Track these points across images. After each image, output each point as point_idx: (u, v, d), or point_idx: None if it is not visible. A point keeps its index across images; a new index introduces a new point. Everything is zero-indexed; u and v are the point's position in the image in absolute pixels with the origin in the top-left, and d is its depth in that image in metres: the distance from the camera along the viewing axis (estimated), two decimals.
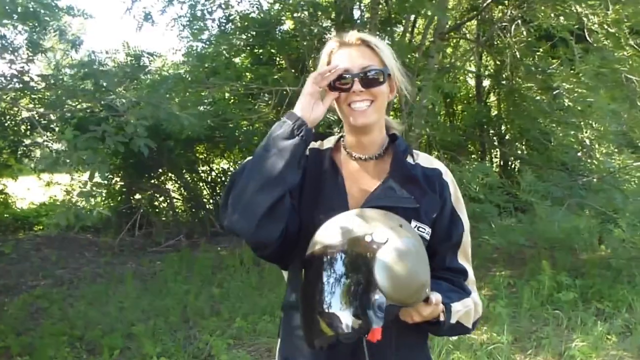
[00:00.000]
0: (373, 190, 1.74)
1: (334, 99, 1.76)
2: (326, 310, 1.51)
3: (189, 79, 8.08)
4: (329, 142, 1.90)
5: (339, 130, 1.96)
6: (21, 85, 6.59)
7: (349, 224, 1.59)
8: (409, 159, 1.82)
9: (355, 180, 1.80)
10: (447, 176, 1.83)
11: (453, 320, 1.68)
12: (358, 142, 1.81)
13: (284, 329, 1.89)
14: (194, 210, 10.97)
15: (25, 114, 8.68)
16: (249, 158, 1.74)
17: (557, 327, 5.58)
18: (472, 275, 1.84)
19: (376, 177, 1.79)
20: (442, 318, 1.63)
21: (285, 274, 1.80)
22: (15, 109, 8.01)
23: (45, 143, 9.26)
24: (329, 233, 1.60)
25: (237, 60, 9.49)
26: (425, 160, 1.86)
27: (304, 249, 1.65)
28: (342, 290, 1.51)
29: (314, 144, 1.88)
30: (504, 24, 7.56)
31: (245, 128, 9.20)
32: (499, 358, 4.77)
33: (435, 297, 1.57)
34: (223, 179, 11.01)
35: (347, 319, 1.48)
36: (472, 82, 11.41)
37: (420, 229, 1.72)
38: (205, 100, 7.76)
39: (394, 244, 1.51)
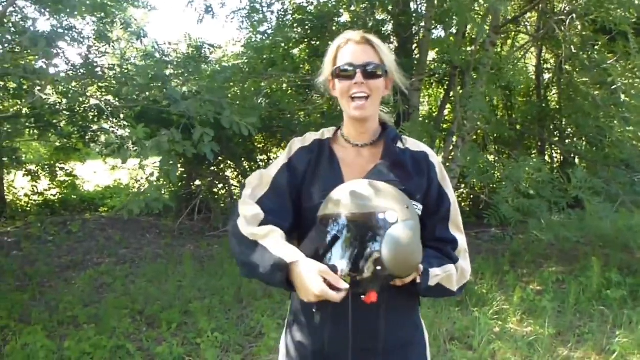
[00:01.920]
0: (366, 174, 1.93)
1: (337, 91, 1.99)
2: (327, 263, 1.69)
3: (247, 69, 8.25)
4: (328, 133, 2.12)
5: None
6: (90, 75, 6.90)
7: (364, 194, 1.75)
8: (399, 145, 2.03)
9: (351, 165, 2.01)
10: (433, 158, 2.05)
11: (432, 283, 1.85)
12: (355, 130, 2.04)
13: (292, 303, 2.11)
14: None
15: (93, 101, 9.02)
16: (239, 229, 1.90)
17: (602, 323, 5.52)
18: (463, 243, 2.02)
19: (370, 161, 2.00)
20: (418, 280, 1.79)
21: None
22: (83, 97, 8.32)
23: (111, 129, 9.59)
24: (345, 198, 1.76)
25: (295, 51, 9.61)
26: (413, 144, 2.07)
27: (304, 232, 1.90)
28: (345, 253, 1.68)
29: (315, 135, 2.12)
30: (561, 17, 7.47)
31: (302, 119, 9.33)
32: (540, 350, 4.80)
33: (421, 267, 1.77)
34: None
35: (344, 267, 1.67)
36: (532, 75, 11.23)
37: (413, 205, 1.88)
38: (263, 91, 7.93)
39: (403, 226, 1.69)
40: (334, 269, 1.66)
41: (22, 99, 8.64)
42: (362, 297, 1.69)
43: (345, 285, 1.63)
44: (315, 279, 1.62)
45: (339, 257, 1.69)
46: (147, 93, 6.45)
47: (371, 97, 1.93)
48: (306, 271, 1.66)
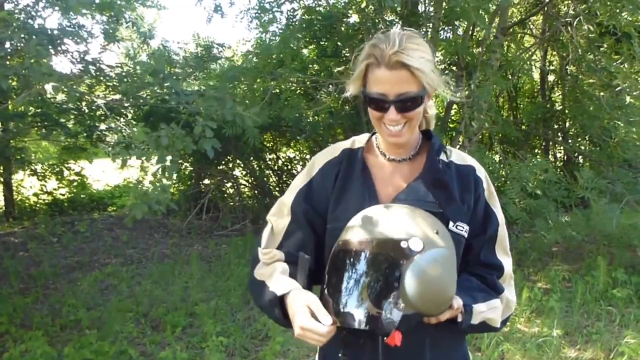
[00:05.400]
0: (398, 193, 1.71)
1: (369, 112, 1.70)
2: (341, 310, 1.49)
3: (256, 69, 8.24)
4: (360, 142, 1.86)
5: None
6: (97, 73, 6.89)
7: (386, 221, 1.54)
8: (442, 157, 1.76)
9: (388, 182, 1.76)
10: (481, 172, 1.80)
11: (475, 321, 1.66)
12: (392, 145, 1.78)
13: None
14: (260, 196, 11.10)
15: (100, 101, 9.04)
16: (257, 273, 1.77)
17: (609, 323, 5.54)
18: (509, 269, 1.80)
19: (409, 178, 1.75)
20: (459, 319, 1.61)
21: None
22: (92, 95, 8.33)
23: (119, 128, 9.62)
24: (358, 224, 1.57)
25: (304, 51, 9.59)
26: (459, 157, 1.80)
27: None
28: (361, 289, 1.49)
29: (344, 144, 1.86)
30: (567, 19, 7.48)
31: (310, 118, 9.32)
32: (548, 351, 4.80)
33: (457, 302, 1.57)
34: (289, 167, 11.19)
35: (361, 316, 1.47)
36: (537, 76, 11.28)
37: (458, 227, 1.68)
38: (273, 91, 7.91)
39: (429, 255, 1.45)
40: (347, 316, 1.48)
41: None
42: (385, 338, 1.46)
43: (328, 321, 1.44)
44: (300, 310, 1.48)
45: (351, 293, 1.50)
46: (149, 90, 6.43)
47: (408, 123, 1.66)
48: (293, 301, 1.53)
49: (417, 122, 1.70)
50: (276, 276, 1.67)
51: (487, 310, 1.69)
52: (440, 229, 1.55)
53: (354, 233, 1.56)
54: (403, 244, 1.46)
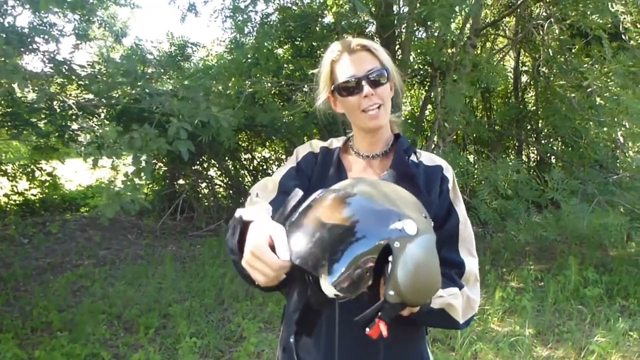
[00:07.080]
0: None
1: (342, 108, 1.86)
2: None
3: (230, 68, 8.20)
4: (337, 142, 1.98)
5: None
6: (68, 73, 6.81)
7: (372, 192, 1.37)
8: (413, 158, 1.87)
9: (359, 176, 1.85)
10: (448, 172, 1.87)
11: (435, 306, 1.57)
12: (366, 141, 1.90)
13: (286, 315, 1.91)
14: (235, 196, 11.04)
15: (71, 100, 8.93)
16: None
17: (580, 322, 5.62)
18: (472, 269, 1.75)
19: (380, 173, 1.84)
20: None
21: None
22: (63, 94, 8.22)
23: (91, 128, 9.51)
24: (348, 189, 1.38)
25: (279, 51, 9.57)
26: (428, 159, 1.89)
27: None
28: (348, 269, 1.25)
29: (322, 142, 1.98)
30: (539, 21, 7.56)
31: (285, 119, 9.30)
32: (520, 350, 4.86)
33: None
34: (265, 167, 11.17)
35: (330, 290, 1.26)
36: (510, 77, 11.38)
37: (426, 218, 1.51)
38: (248, 90, 7.87)
39: (425, 241, 1.30)
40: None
41: None
42: (367, 330, 1.31)
43: (285, 256, 1.26)
44: (258, 235, 1.34)
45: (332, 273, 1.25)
46: (120, 91, 6.37)
47: (383, 105, 1.80)
48: (255, 228, 1.39)
49: (389, 105, 1.85)
50: (253, 209, 1.55)
51: (447, 296, 1.61)
52: (426, 213, 1.42)
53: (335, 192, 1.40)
54: (398, 225, 1.27)
